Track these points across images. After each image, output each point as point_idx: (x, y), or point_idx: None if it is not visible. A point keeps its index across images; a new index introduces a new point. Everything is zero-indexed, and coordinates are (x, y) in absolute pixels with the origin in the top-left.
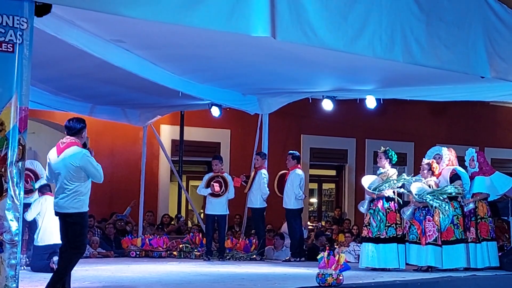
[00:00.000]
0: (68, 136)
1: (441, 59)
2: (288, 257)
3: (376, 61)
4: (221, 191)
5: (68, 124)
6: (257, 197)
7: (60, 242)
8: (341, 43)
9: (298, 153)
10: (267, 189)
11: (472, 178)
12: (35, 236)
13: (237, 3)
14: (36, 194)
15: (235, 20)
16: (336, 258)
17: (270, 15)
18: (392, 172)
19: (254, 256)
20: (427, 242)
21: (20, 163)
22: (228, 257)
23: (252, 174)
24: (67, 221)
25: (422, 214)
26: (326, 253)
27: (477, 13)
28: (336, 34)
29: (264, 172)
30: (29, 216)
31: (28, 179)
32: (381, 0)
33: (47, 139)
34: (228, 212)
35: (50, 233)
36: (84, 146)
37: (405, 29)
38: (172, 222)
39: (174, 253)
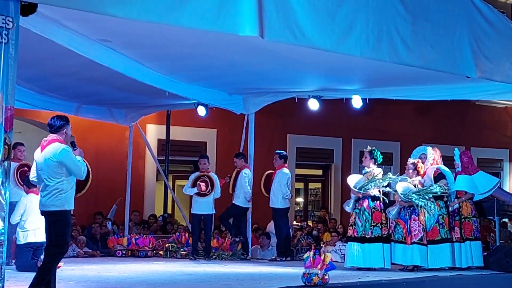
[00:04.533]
0: (50, 134)
1: (426, 59)
2: (274, 257)
3: (362, 61)
4: (207, 190)
5: (49, 122)
6: (239, 197)
7: (43, 240)
8: (328, 43)
9: (285, 153)
10: (249, 188)
11: (456, 177)
12: (17, 236)
13: (224, 3)
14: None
15: (223, 19)
16: (322, 257)
17: (258, 15)
18: (377, 171)
19: (231, 256)
20: (412, 241)
21: (5, 163)
22: (214, 257)
23: (234, 174)
24: (50, 219)
25: (407, 214)
26: (312, 253)
27: (463, 13)
28: (323, 33)
29: (245, 171)
30: (14, 219)
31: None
32: (367, 0)
33: (33, 138)
34: (214, 212)
35: (33, 232)
36: (73, 145)
37: (391, 29)
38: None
39: (160, 252)
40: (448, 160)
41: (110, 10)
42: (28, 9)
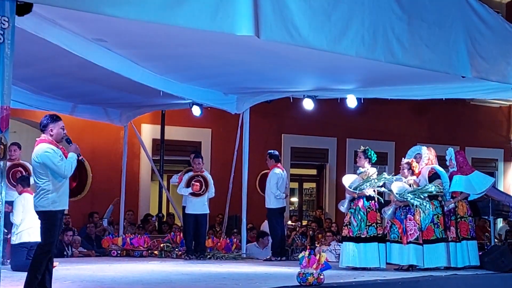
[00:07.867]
0: (41, 134)
1: (422, 59)
2: (269, 256)
3: (358, 61)
4: (202, 190)
5: (40, 121)
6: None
7: (37, 240)
8: (324, 42)
9: (275, 152)
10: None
11: (451, 177)
12: (11, 235)
13: (221, 2)
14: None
15: (219, 19)
16: (317, 257)
17: (254, 14)
18: (372, 171)
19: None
20: (408, 241)
21: (1, 163)
22: (209, 257)
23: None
24: (39, 219)
25: (403, 213)
26: (307, 253)
27: (459, 13)
28: (319, 33)
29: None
30: (17, 220)
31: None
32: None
33: (28, 138)
34: (208, 211)
35: (27, 231)
36: (68, 141)
37: (387, 29)
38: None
39: (155, 252)
40: (443, 160)
41: (107, 10)
42: (23, 9)
